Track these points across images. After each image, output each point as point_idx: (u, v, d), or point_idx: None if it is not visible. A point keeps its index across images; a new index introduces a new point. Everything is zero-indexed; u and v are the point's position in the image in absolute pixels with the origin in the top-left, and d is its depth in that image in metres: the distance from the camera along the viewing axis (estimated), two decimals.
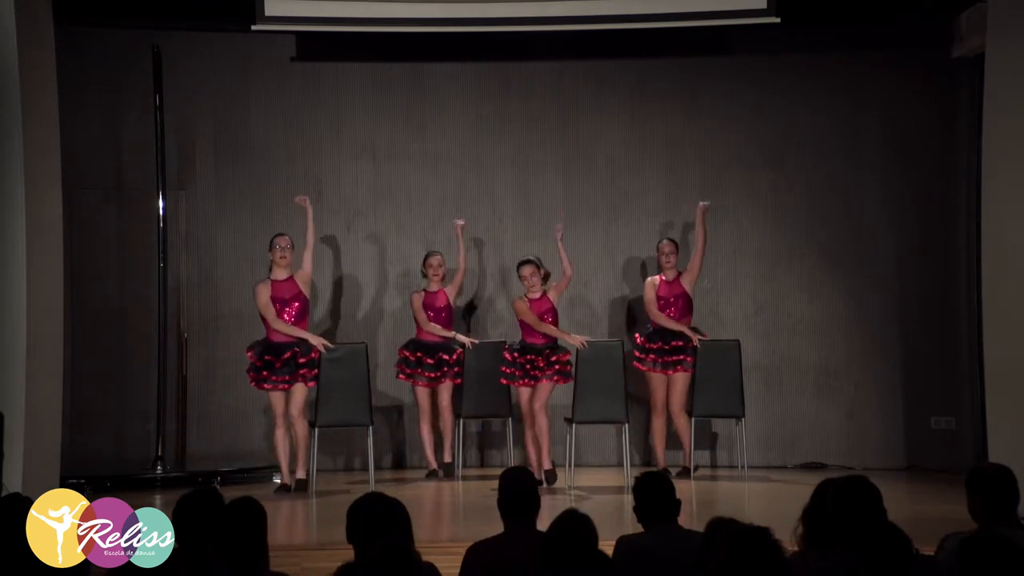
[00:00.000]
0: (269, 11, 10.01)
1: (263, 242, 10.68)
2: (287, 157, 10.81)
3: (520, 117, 10.93)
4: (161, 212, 10.29)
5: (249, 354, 9.40)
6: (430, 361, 9.88)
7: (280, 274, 9.41)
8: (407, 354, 9.96)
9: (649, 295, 9.93)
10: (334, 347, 9.42)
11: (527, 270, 9.58)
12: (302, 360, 9.29)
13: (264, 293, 9.38)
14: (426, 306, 9.99)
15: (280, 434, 9.37)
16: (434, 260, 10.09)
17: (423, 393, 10.00)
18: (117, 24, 10.46)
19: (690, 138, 10.90)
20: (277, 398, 9.33)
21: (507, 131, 10.94)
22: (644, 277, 10.43)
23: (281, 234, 9.55)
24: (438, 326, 9.95)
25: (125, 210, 10.61)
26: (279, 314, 9.32)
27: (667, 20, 10.19)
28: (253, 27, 10.05)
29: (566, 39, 10.65)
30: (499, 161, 10.94)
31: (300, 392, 9.32)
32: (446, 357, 9.89)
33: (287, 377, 9.28)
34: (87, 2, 10.08)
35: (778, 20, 9.97)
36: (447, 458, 10.04)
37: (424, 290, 10.09)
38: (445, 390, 9.97)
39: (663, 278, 9.95)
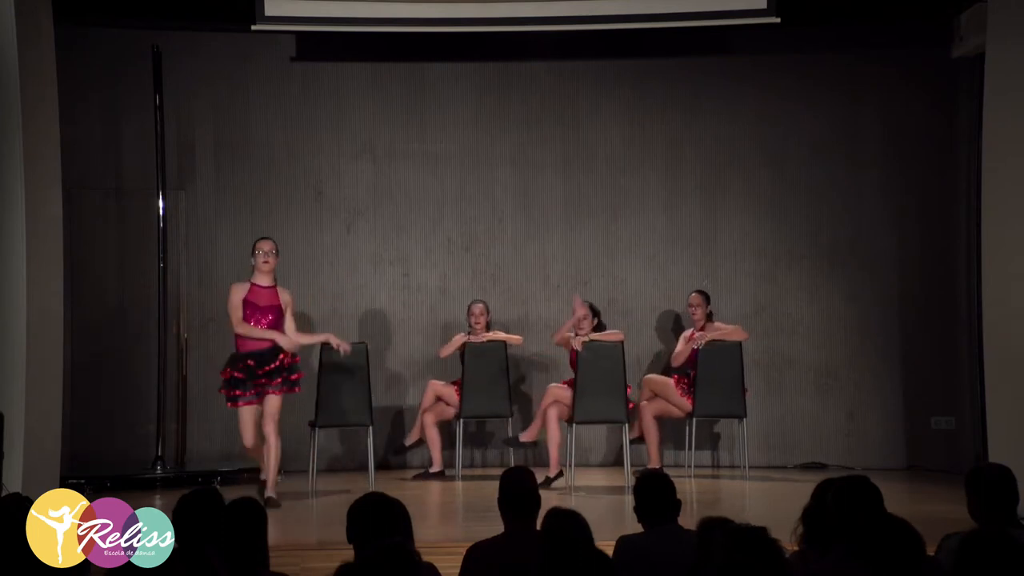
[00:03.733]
0: (269, 11, 10.01)
1: None
2: (287, 157, 10.81)
3: (520, 117, 10.93)
4: (161, 212, 10.28)
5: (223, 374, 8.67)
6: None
7: (262, 280, 8.64)
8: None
9: (679, 348, 10.07)
10: (349, 347, 9.03)
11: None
12: (268, 368, 8.51)
13: (238, 293, 8.61)
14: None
15: (254, 449, 8.69)
16: (476, 308, 10.10)
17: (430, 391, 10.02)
18: (117, 24, 10.46)
19: (690, 138, 10.89)
20: (247, 414, 8.53)
21: (507, 131, 10.94)
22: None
23: (264, 238, 8.91)
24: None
25: (125, 210, 10.60)
26: (247, 318, 8.55)
27: (667, 20, 10.19)
28: (253, 27, 10.05)
29: (566, 39, 10.65)
30: (499, 161, 10.94)
31: (271, 404, 8.51)
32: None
33: (254, 391, 8.52)
34: (87, 2, 10.08)
35: (778, 20, 9.97)
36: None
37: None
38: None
39: (695, 332, 10.03)
